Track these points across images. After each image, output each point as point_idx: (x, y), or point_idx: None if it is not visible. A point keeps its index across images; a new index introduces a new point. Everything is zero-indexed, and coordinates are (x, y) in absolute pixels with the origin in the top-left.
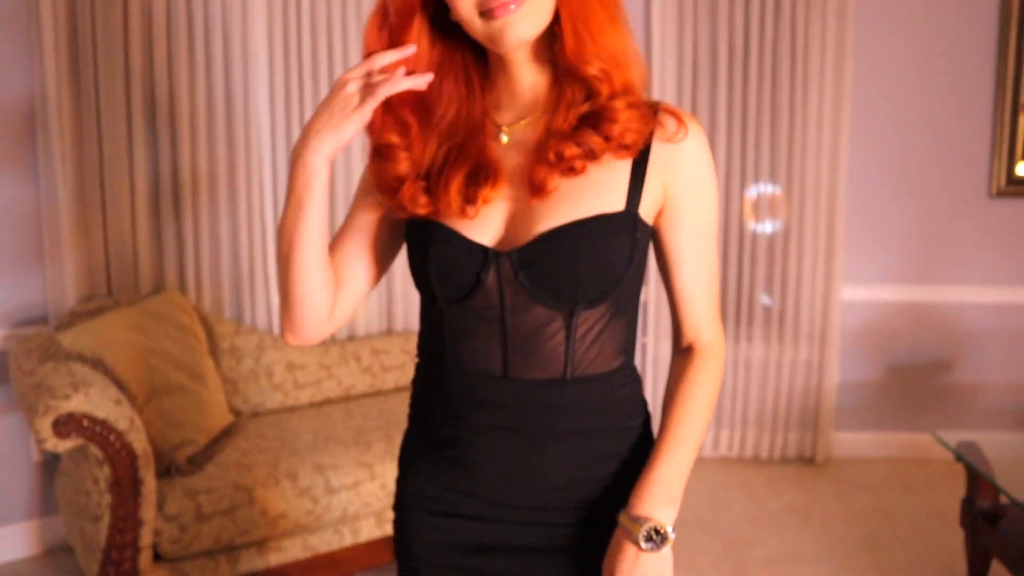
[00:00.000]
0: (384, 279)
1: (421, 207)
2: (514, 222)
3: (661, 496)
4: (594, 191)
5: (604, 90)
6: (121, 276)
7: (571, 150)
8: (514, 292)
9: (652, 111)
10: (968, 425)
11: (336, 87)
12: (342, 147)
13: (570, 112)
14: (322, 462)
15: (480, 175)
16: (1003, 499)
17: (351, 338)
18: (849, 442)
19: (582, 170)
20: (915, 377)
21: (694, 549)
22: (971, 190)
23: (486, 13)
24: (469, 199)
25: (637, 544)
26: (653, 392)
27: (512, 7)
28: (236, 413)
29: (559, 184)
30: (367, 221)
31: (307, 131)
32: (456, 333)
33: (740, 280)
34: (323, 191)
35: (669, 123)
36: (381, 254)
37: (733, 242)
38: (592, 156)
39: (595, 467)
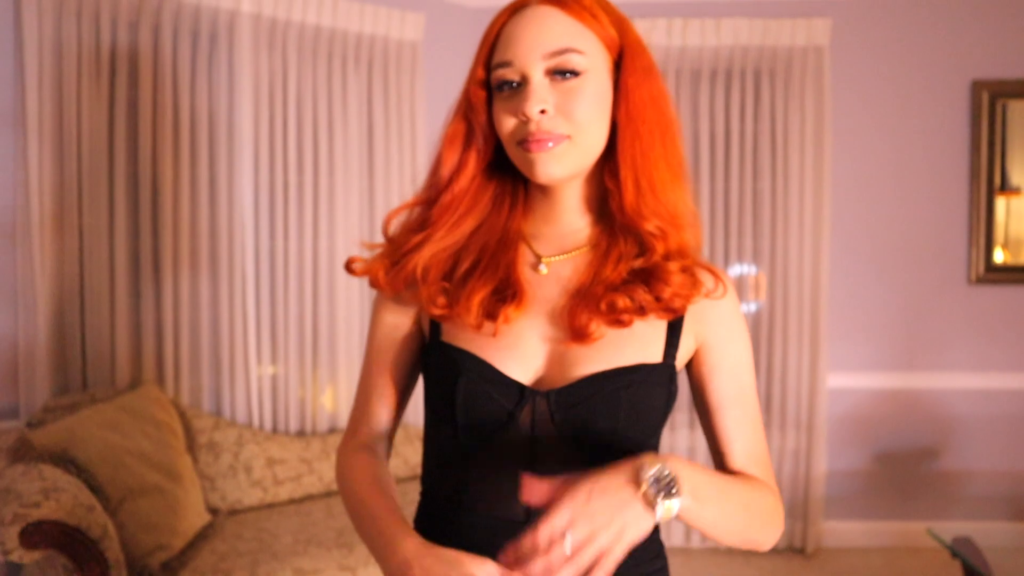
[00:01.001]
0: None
1: (438, 307)
2: (552, 362)
3: (689, 474)
4: (636, 340)
5: (659, 248)
6: (97, 368)
7: (624, 302)
8: (547, 434)
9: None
10: (957, 513)
11: None
12: None
13: (620, 264)
14: (302, 566)
15: (507, 293)
16: None
17: (332, 431)
18: (839, 531)
19: (629, 323)
20: (903, 465)
21: None
22: (951, 278)
23: (522, 143)
24: (491, 314)
25: (636, 476)
26: None
27: (550, 144)
28: (213, 511)
29: (604, 333)
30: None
31: None
32: (476, 472)
33: None
34: None
35: (707, 279)
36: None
37: None
38: (641, 312)
39: None
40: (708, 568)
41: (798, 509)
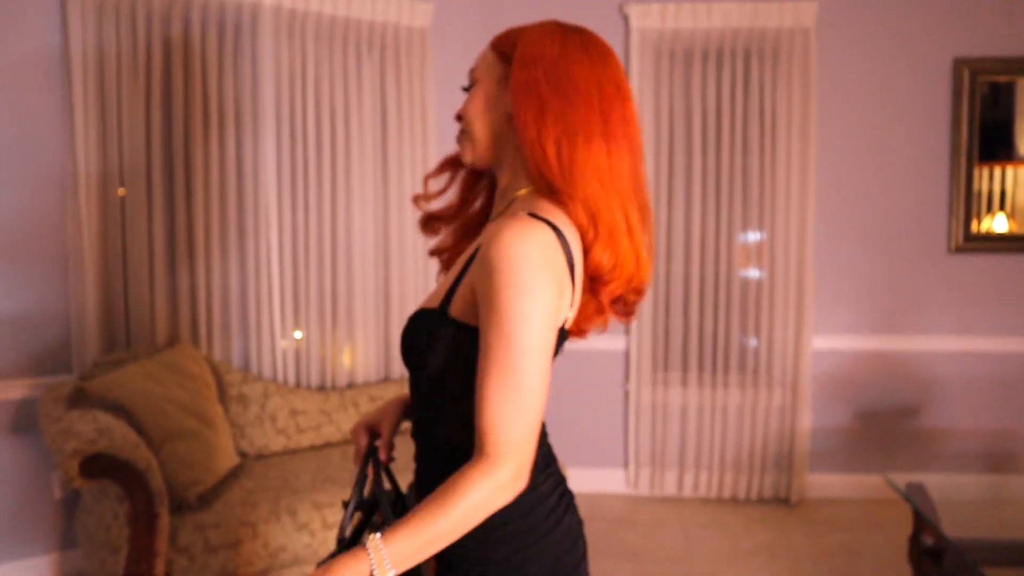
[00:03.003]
0: (382, 328)
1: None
2: None
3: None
4: (442, 291)
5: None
6: (139, 328)
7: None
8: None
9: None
10: (935, 467)
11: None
12: None
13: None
14: (320, 500)
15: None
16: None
17: (350, 386)
18: (822, 483)
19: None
20: (883, 422)
21: None
22: (932, 247)
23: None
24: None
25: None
26: (636, 438)
27: (457, 144)
28: (243, 455)
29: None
30: None
31: None
32: None
33: (716, 331)
34: None
35: (494, 227)
36: None
37: (709, 295)
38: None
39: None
40: (696, 516)
41: (783, 461)
